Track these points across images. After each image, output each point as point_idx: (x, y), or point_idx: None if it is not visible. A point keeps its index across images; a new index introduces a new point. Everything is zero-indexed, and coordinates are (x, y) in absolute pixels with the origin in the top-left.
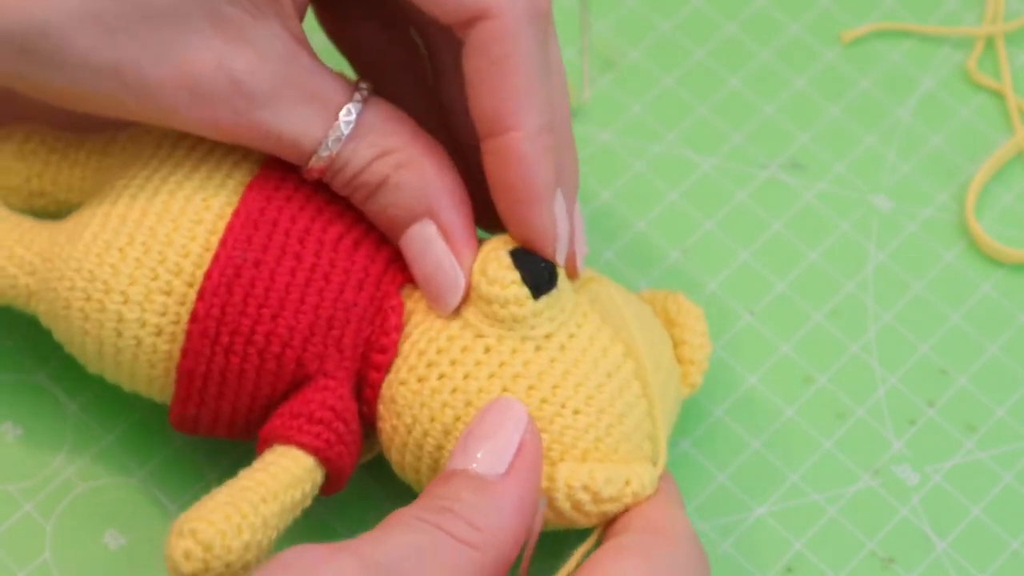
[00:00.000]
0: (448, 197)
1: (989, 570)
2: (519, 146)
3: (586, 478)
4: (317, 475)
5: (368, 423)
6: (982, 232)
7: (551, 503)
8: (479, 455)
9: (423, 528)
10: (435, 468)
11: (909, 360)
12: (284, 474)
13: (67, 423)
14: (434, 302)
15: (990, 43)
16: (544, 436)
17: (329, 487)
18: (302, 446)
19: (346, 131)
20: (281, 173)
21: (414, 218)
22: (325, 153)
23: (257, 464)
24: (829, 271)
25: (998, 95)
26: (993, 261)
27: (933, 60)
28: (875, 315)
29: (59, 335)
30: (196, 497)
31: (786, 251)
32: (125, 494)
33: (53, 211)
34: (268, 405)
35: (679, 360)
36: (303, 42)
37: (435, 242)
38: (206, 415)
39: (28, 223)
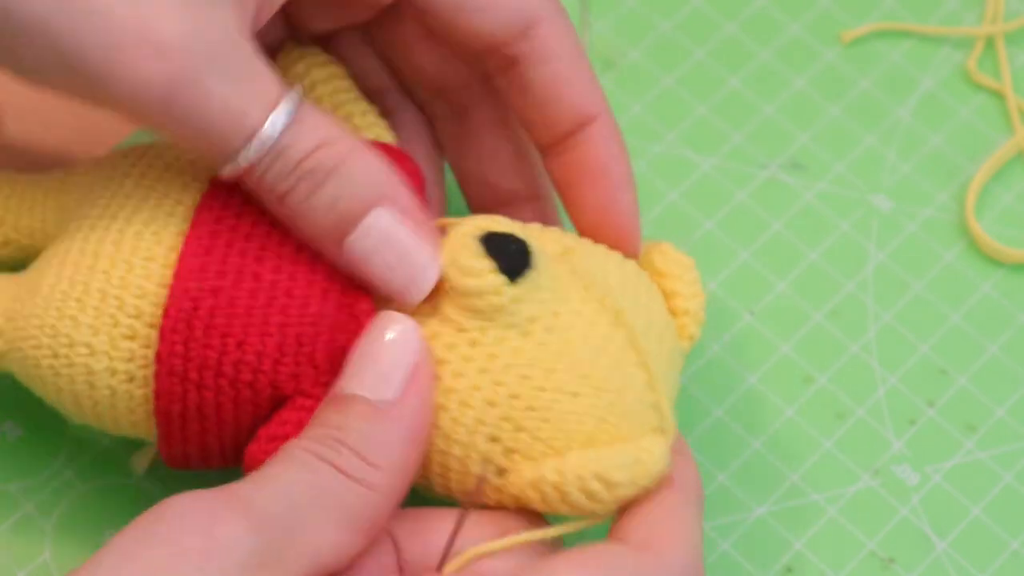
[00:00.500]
0: (403, 183)
1: (989, 570)
2: (610, 130)
3: (596, 466)
4: None
5: None
6: (982, 232)
7: (564, 497)
8: (369, 378)
9: (316, 466)
10: (442, 473)
11: (909, 360)
12: None
13: (67, 423)
14: (402, 294)
15: (990, 43)
16: (546, 426)
17: None
18: None
19: (287, 118)
20: (228, 191)
21: (368, 208)
22: (266, 138)
23: None
24: (829, 271)
25: (998, 95)
26: (993, 261)
27: (933, 60)
28: (875, 315)
29: (37, 392)
30: None
31: (786, 251)
32: (125, 494)
33: (20, 258)
34: (255, 426)
35: (673, 313)
36: (251, 37)
37: (397, 228)
38: (194, 450)
39: None
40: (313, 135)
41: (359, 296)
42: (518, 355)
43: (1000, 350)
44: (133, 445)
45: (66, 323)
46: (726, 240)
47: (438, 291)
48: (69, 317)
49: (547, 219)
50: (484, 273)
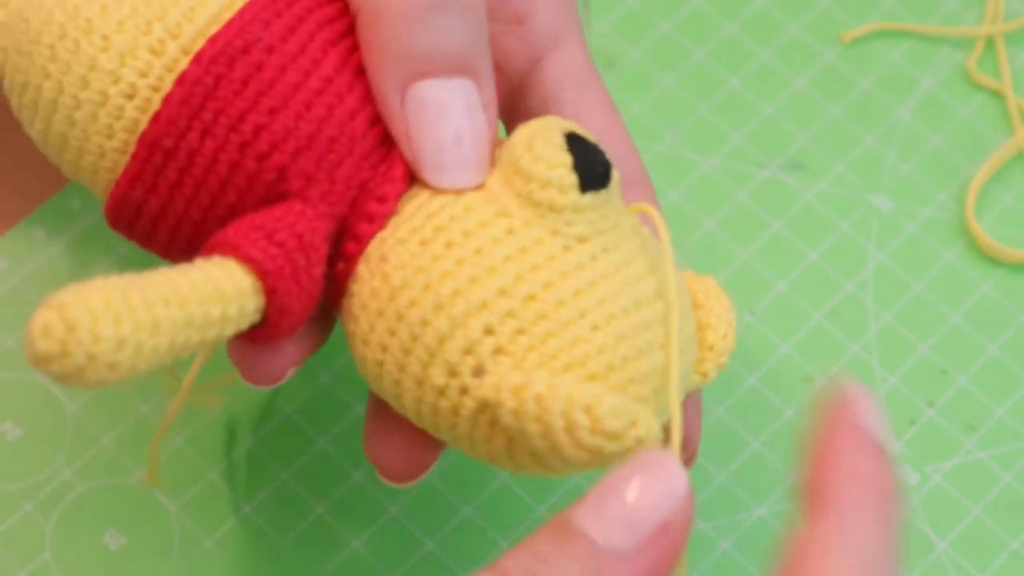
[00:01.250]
0: (490, 60)
1: (990, 570)
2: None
3: (591, 398)
4: (249, 301)
5: (335, 286)
6: (982, 232)
7: (540, 415)
8: (607, 517)
9: None
10: (409, 349)
11: (909, 360)
12: (207, 283)
13: (67, 423)
14: (434, 179)
15: (990, 43)
16: (552, 341)
17: (265, 331)
18: (247, 260)
19: None
20: None
21: (460, 66)
22: None
23: (180, 265)
24: (829, 271)
25: (998, 95)
26: (993, 261)
27: (933, 60)
28: (875, 315)
29: (12, 79)
30: (195, 497)
31: (786, 251)
32: (125, 494)
33: None
34: (225, 219)
35: (699, 344)
36: None
37: (474, 114)
38: (152, 206)
39: None
40: None
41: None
42: (552, 262)
43: (1000, 350)
44: (133, 445)
45: (93, 8)
46: (726, 240)
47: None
48: (99, 4)
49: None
50: (557, 165)
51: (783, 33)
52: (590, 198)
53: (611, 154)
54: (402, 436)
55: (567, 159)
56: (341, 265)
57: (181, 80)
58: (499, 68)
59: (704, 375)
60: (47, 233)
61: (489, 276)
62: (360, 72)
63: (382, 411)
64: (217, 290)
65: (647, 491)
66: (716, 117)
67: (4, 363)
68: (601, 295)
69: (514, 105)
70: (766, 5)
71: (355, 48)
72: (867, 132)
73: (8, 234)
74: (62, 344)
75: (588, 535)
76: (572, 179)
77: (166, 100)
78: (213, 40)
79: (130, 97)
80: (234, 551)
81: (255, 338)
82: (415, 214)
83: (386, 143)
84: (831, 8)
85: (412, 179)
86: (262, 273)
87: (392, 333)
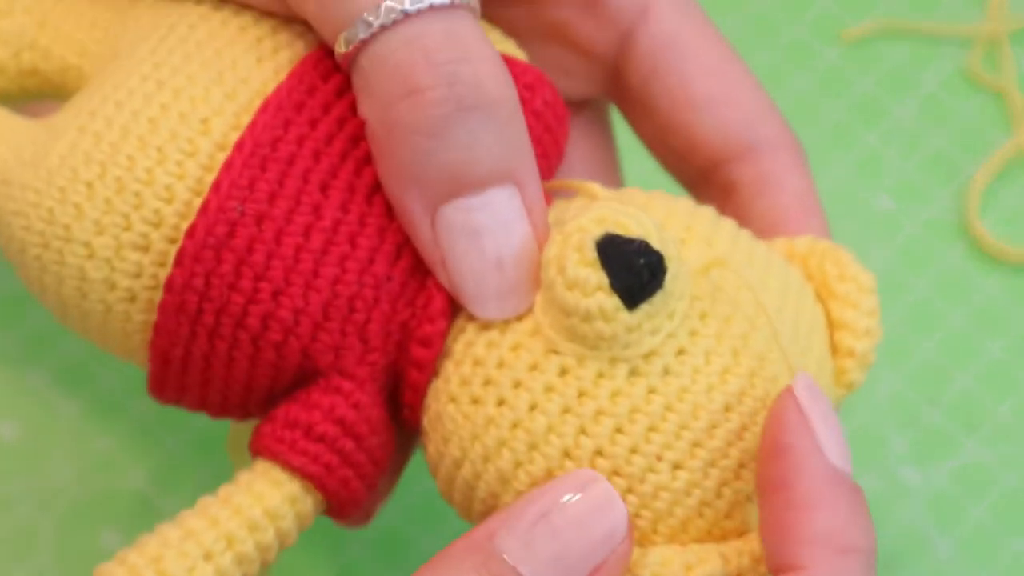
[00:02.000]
0: (532, 152)
1: (992, 571)
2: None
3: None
4: (305, 506)
5: (409, 430)
6: (983, 232)
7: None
8: (543, 561)
9: None
10: (486, 514)
11: (911, 360)
12: (252, 509)
13: (66, 423)
14: (475, 308)
15: (991, 42)
16: (631, 499)
17: (338, 512)
18: (289, 468)
19: (411, 5)
20: (311, 82)
21: (495, 177)
22: (372, 19)
23: (223, 490)
24: None
25: (999, 94)
26: (994, 260)
27: (934, 60)
28: None
29: (17, 274)
30: (194, 497)
31: None
32: (124, 494)
33: (50, 93)
34: (271, 392)
35: (835, 349)
36: None
37: (517, 223)
38: (191, 397)
39: (4, 115)
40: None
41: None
42: (616, 401)
43: (1002, 349)
44: (131, 447)
45: (68, 210)
46: None
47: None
48: (73, 204)
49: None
50: (593, 291)
51: (784, 33)
52: (644, 310)
53: (726, 119)
54: None
55: (603, 279)
56: (407, 411)
57: (168, 286)
58: (587, 55)
59: (849, 386)
60: None
61: (547, 439)
62: (373, 193)
63: None
64: (265, 512)
65: (582, 528)
66: None
67: (4, 363)
68: (681, 421)
69: (616, 91)
70: (766, 4)
71: (366, 161)
72: (868, 132)
73: None
74: None
75: (516, 569)
76: (615, 302)
77: (161, 308)
78: (191, 234)
79: (131, 301)
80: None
81: (336, 518)
82: (463, 358)
83: (419, 271)
84: (832, 7)
85: (455, 307)
86: (308, 477)
87: (467, 498)
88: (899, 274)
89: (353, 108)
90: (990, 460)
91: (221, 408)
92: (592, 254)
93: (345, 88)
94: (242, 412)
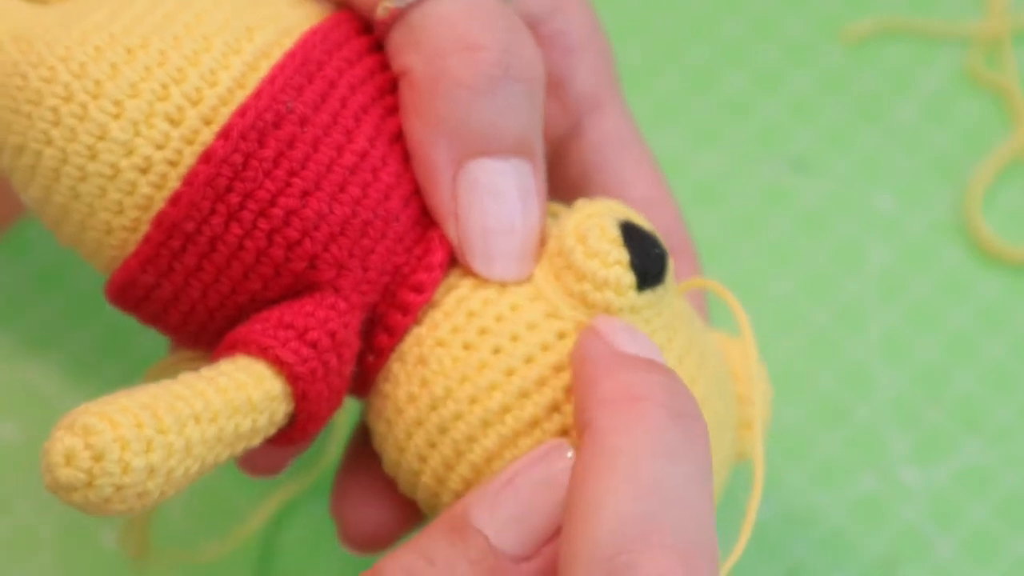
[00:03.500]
0: (543, 138)
1: (992, 571)
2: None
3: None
4: (280, 408)
5: (363, 379)
6: (984, 231)
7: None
8: (504, 521)
9: None
10: (451, 464)
11: (911, 360)
12: (236, 393)
13: None
14: (484, 263)
15: (992, 42)
16: None
17: (290, 435)
18: (277, 363)
19: None
20: (347, 31)
21: (519, 146)
22: None
23: (206, 371)
24: (830, 271)
25: (999, 94)
26: (995, 260)
27: (935, 59)
28: (877, 314)
29: (3, 139)
30: (193, 497)
31: (787, 250)
32: None
33: None
34: (245, 307)
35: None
36: None
37: (534, 195)
38: (164, 290)
39: None
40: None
41: (436, 227)
42: None
43: (1003, 349)
44: None
45: (102, 67)
46: (727, 240)
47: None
48: (109, 62)
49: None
50: (613, 263)
51: (785, 32)
52: (647, 296)
53: (655, 221)
54: (379, 501)
55: (624, 256)
56: (371, 358)
57: (207, 158)
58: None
59: (741, 455)
60: (45, 232)
61: (540, 390)
62: (395, 140)
63: (361, 468)
64: (247, 400)
65: (544, 495)
66: (717, 116)
67: (4, 363)
68: None
69: (553, 171)
70: (767, 4)
71: (392, 111)
72: (869, 131)
73: (5, 233)
74: (88, 474)
75: (483, 535)
76: (630, 279)
77: (188, 179)
78: (242, 112)
79: (144, 172)
80: (233, 551)
81: (278, 442)
82: (455, 310)
83: (421, 223)
84: (833, 6)
85: (452, 264)
86: (293, 377)
87: (432, 445)
88: (899, 274)
89: (382, 66)
90: (990, 460)
91: (187, 314)
92: (615, 232)
93: (374, 48)
94: (200, 328)
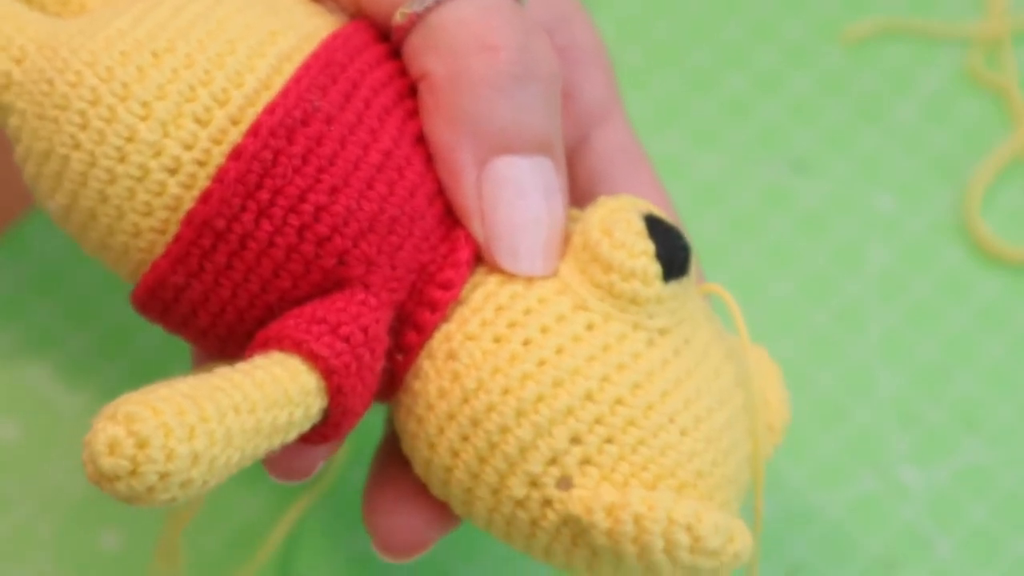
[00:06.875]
0: (562, 136)
1: (992, 571)
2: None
3: (692, 517)
4: (314, 403)
5: (392, 379)
6: (984, 231)
7: (638, 535)
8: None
9: None
10: (485, 457)
11: (911, 360)
12: (273, 386)
13: (66, 423)
14: (511, 259)
15: (991, 42)
16: (643, 449)
17: (324, 432)
18: (312, 358)
19: None
20: (366, 38)
21: (543, 143)
22: None
23: (241, 365)
24: (830, 271)
25: (999, 94)
26: (995, 260)
27: (935, 59)
28: (877, 314)
29: (31, 146)
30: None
31: (787, 251)
32: None
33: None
34: (274, 307)
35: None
36: None
37: (558, 192)
38: (193, 291)
39: (23, 8)
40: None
41: (461, 226)
42: (637, 361)
43: (1003, 349)
44: None
45: (129, 71)
46: (726, 240)
47: (563, 253)
48: (135, 66)
49: None
50: (639, 254)
51: (784, 32)
52: (673, 287)
53: None
54: (411, 507)
55: (649, 247)
56: (400, 357)
57: (237, 155)
58: None
59: (767, 456)
60: (45, 231)
61: (573, 379)
62: (418, 142)
63: (390, 477)
64: (284, 393)
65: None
66: (717, 117)
67: (4, 363)
68: (687, 395)
69: None
70: (767, 4)
71: (412, 115)
72: (869, 131)
73: (5, 233)
74: (132, 461)
75: None
76: (656, 269)
77: (219, 177)
78: (271, 110)
79: (173, 172)
80: (233, 552)
81: (311, 440)
82: (483, 305)
83: (446, 221)
84: (833, 7)
85: (476, 262)
86: (328, 371)
87: (465, 439)
88: (899, 274)
89: (400, 72)
90: (990, 460)
91: (215, 317)
92: (640, 224)
93: (392, 56)
94: (227, 331)
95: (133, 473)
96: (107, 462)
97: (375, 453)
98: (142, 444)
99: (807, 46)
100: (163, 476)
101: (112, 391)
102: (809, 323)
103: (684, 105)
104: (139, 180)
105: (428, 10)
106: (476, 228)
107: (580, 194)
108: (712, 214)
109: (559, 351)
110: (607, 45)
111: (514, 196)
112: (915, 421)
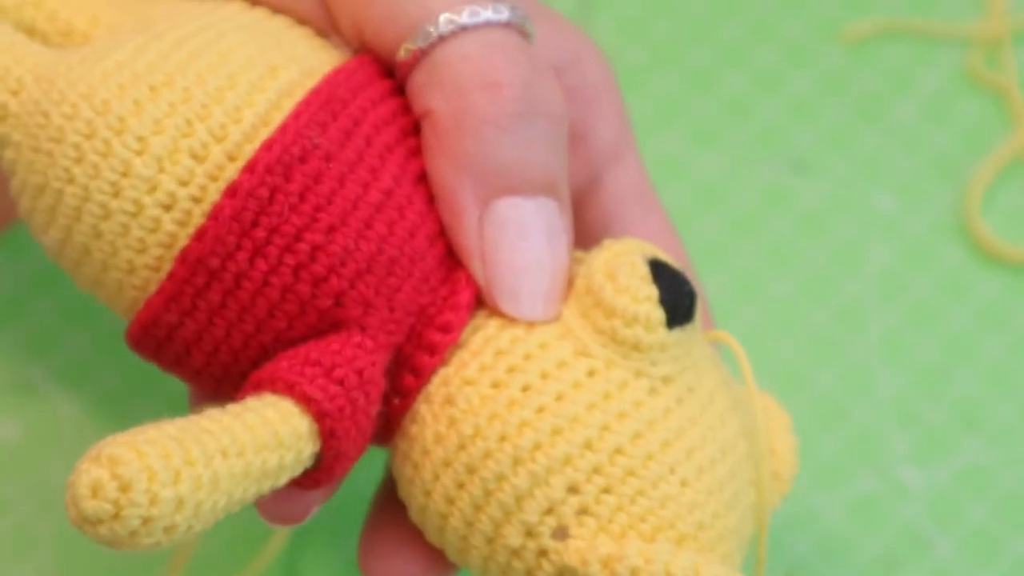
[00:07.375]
0: (567, 177)
1: (992, 571)
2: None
3: (691, 570)
4: (307, 447)
5: (388, 422)
6: (984, 231)
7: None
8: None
9: None
10: (480, 505)
11: (911, 360)
12: (264, 429)
13: (66, 423)
14: (512, 303)
15: (991, 42)
16: (642, 500)
17: (316, 477)
18: (304, 400)
19: (508, 14)
20: (370, 73)
21: (547, 183)
22: (432, 30)
23: (232, 407)
24: (830, 271)
25: (999, 94)
26: (995, 260)
27: (935, 59)
28: (877, 315)
29: (25, 179)
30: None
31: (787, 251)
32: None
33: None
34: (269, 348)
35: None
36: None
37: (562, 233)
38: (187, 330)
39: (23, 39)
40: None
41: (462, 267)
42: (639, 410)
43: (1003, 349)
44: None
45: (126, 104)
46: (726, 240)
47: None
48: (133, 100)
49: None
50: (643, 299)
51: (784, 32)
52: (676, 334)
53: None
54: (407, 553)
55: (653, 292)
56: (397, 401)
57: (232, 192)
58: None
59: (772, 506)
60: None
61: (572, 427)
62: (419, 181)
63: (388, 521)
64: (274, 435)
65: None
66: (717, 117)
67: (4, 363)
68: (689, 445)
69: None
70: (767, 4)
71: (414, 154)
72: (869, 131)
73: (5, 233)
74: (114, 505)
75: None
76: (659, 315)
77: (214, 214)
78: (268, 146)
79: (168, 208)
80: (234, 554)
81: (303, 484)
82: (482, 349)
83: (447, 262)
84: (833, 7)
85: (477, 305)
86: (320, 415)
87: (461, 486)
88: (899, 274)
89: (404, 109)
90: (990, 460)
91: (208, 356)
92: (644, 269)
93: (395, 92)
94: (222, 371)
95: (116, 517)
96: (89, 505)
97: (374, 495)
98: (125, 488)
99: (807, 46)
100: (146, 521)
101: (112, 391)
102: (809, 323)
103: (684, 105)
104: (133, 216)
105: (432, 46)
106: (477, 270)
107: (591, 235)
108: (712, 214)
109: (559, 398)
110: (607, 45)
111: (516, 238)
112: (915, 421)
